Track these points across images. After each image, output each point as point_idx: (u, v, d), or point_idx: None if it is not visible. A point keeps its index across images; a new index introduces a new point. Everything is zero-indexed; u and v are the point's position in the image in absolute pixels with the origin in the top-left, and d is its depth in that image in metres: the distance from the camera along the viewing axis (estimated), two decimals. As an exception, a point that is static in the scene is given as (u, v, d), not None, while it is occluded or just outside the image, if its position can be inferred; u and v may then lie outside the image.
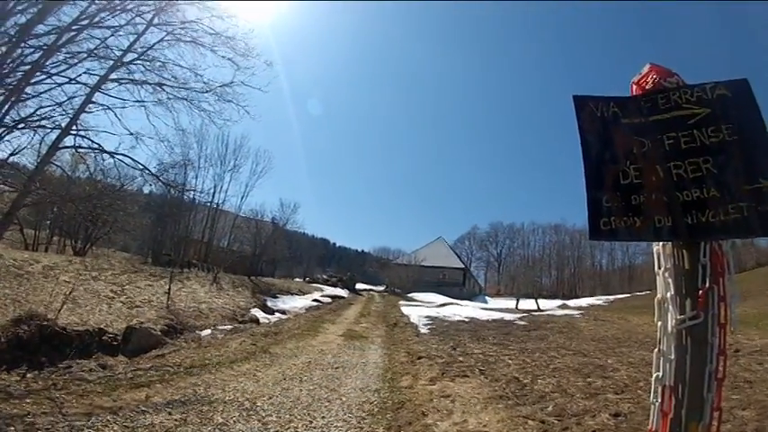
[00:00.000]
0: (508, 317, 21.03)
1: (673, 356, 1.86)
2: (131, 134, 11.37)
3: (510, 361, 9.59)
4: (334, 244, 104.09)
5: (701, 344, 1.80)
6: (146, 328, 10.01)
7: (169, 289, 14.25)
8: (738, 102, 2.06)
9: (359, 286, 45.96)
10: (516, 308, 33.01)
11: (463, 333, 14.16)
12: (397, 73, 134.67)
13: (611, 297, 44.08)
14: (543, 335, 14.09)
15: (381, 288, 49.60)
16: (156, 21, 11.54)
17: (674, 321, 1.87)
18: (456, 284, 56.61)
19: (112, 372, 7.53)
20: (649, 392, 2.10)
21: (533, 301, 36.53)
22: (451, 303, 31.94)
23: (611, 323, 17.85)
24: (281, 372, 8.20)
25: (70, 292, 10.01)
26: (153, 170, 12.04)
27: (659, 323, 1.99)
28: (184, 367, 8.04)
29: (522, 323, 17.88)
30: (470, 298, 48.72)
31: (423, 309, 24.57)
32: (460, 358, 9.77)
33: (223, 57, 12.20)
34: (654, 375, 1.92)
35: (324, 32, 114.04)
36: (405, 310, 23.39)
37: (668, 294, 1.95)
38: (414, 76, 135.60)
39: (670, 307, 1.92)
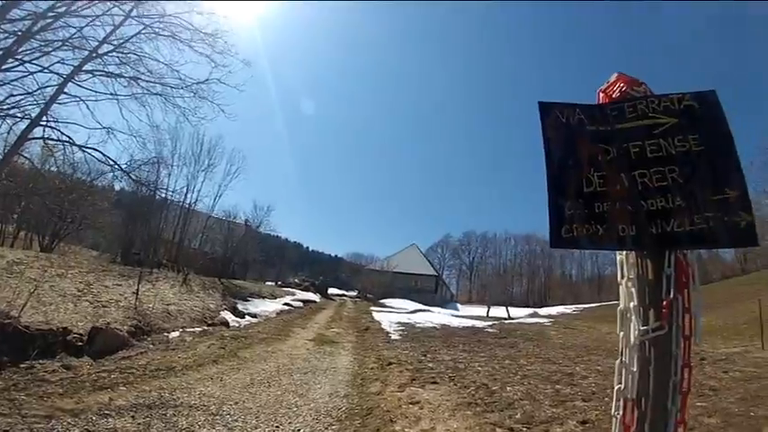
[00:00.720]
0: (479, 324, 21.23)
1: (635, 368, 1.84)
2: (103, 128, 11.13)
3: (480, 368, 9.64)
4: (308, 248, 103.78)
5: (664, 356, 1.78)
6: (112, 329, 9.78)
7: (137, 289, 13.97)
8: (706, 112, 2.07)
9: (331, 291, 45.74)
10: (487, 315, 33.37)
11: (434, 340, 14.21)
12: (377, 80, 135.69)
13: (581, 306, 44.65)
14: (513, 342, 14.21)
15: (354, 293, 49.61)
16: (134, 13, 11.34)
17: (636, 332, 1.85)
18: (428, 291, 56.64)
19: (76, 373, 7.34)
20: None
21: (504, 309, 36.92)
22: (423, 310, 32.03)
23: (580, 332, 18.14)
24: (248, 376, 8.11)
25: (35, 290, 9.74)
26: (124, 166, 11.82)
27: (621, 334, 1.96)
28: (150, 370, 7.88)
29: (493, 331, 18.04)
30: (442, 305, 48.87)
31: (394, 315, 24.60)
32: (430, 365, 9.79)
33: (201, 53, 12.04)
34: (616, 387, 1.90)
35: (303, 38, 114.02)
36: (376, 315, 23.39)
37: (631, 305, 1.93)
38: (394, 86, 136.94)
39: (633, 318, 1.90)
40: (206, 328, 14.06)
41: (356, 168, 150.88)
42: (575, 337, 16.16)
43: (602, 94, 2.30)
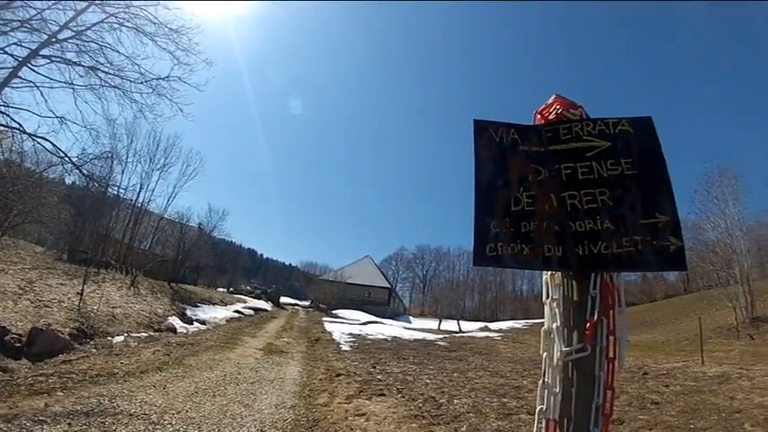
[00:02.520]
0: (430, 337, 21.40)
1: (558, 389, 1.82)
2: (56, 117, 10.78)
3: (428, 380, 9.71)
4: (262, 255, 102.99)
5: (587, 377, 1.77)
6: (53, 331, 9.48)
7: (82, 290, 13.54)
8: (640, 138, 2.08)
9: (283, 300, 45.34)
10: (439, 329, 33.50)
11: (385, 352, 14.25)
12: (339, 89, 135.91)
13: (531, 321, 45.56)
14: (463, 356, 14.38)
15: (306, 303, 49.24)
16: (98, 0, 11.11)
17: (559, 353, 1.83)
18: (381, 303, 56.65)
19: (12, 376, 7.11)
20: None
21: (455, 322, 37.18)
22: (375, 322, 32.12)
23: (528, 346, 18.48)
24: (193, 385, 7.94)
25: (-29, 286, 9.37)
26: (75, 159, 11.46)
27: (545, 354, 1.94)
28: (90, 375, 7.64)
29: (444, 344, 18.22)
30: (394, 317, 49.05)
31: (346, 326, 24.58)
32: (379, 377, 9.81)
33: (164, 49, 11.87)
34: (537, 408, 1.88)
35: (280, 38, 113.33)
36: (328, 326, 23.30)
37: (554, 325, 1.92)
38: (357, 96, 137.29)
39: (556, 338, 1.88)
40: (152, 333, 13.76)
41: (314, 176, 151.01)
42: (523, 351, 16.46)
43: (538, 115, 2.30)
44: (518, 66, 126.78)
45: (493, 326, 39.35)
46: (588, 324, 1.78)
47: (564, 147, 2.11)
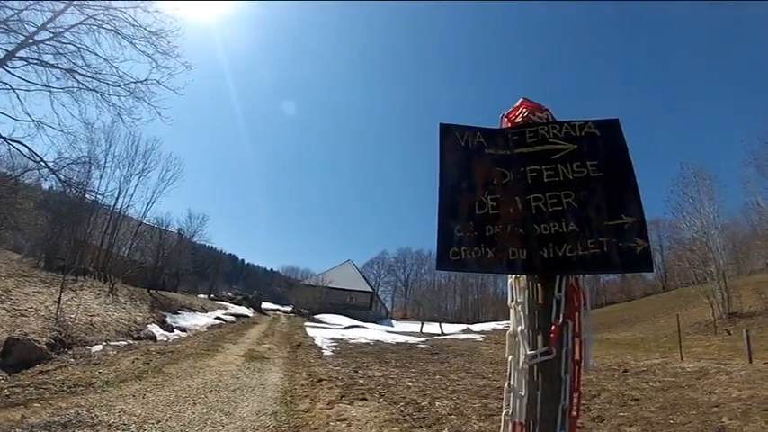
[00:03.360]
0: (412, 340, 21.44)
1: (524, 393, 1.82)
2: (33, 121, 10.63)
3: (410, 383, 9.72)
4: (243, 261, 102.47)
5: (553, 380, 1.77)
6: (29, 341, 9.34)
7: (59, 298, 13.37)
8: (606, 140, 2.09)
9: (265, 306, 45.17)
10: (421, 331, 33.61)
11: (367, 356, 14.24)
12: (319, 91, 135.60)
13: (512, 322, 45.81)
14: (445, 358, 14.44)
15: (288, 308, 49.08)
16: (76, 1, 10.98)
17: (524, 357, 1.83)
18: (363, 307, 56.65)
19: (-13, 388, 6.98)
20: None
21: (438, 325, 37.32)
22: (357, 326, 32.11)
23: (510, 347, 18.63)
24: (173, 393, 7.83)
25: (-56, 295, 9.20)
26: (51, 164, 11.31)
27: (510, 357, 1.95)
28: (68, 385, 7.51)
29: (426, 346, 18.27)
30: (376, 321, 49.11)
31: (328, 330, 24.51)
32: (361, 381, 9.79)
33: (143, 52, 11.79)
34: (504, 412, 1.88)
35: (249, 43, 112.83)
36: (310, 331, 23.20)
37: (519, 328, 1.91)
38: (335, 98, 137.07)
39: (521, 341, 1.87)
40: (132, 341, 13.60)
41: (295, 180, 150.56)
42: (505, 352, 16.58)
43: (505, 119, 2.30)
44: (499, 67, 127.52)
45: (475, 327, 39.52)
46: (553, 327, 1.79)
47: (530, 150, 2.12)
